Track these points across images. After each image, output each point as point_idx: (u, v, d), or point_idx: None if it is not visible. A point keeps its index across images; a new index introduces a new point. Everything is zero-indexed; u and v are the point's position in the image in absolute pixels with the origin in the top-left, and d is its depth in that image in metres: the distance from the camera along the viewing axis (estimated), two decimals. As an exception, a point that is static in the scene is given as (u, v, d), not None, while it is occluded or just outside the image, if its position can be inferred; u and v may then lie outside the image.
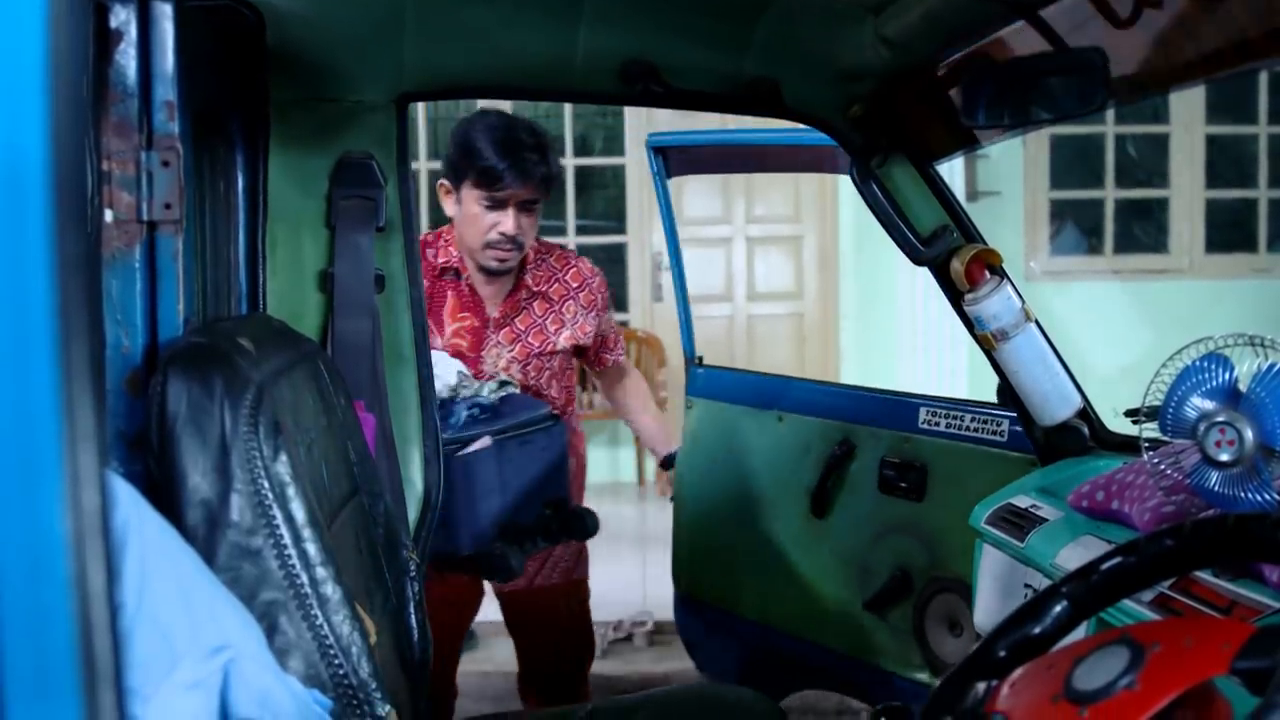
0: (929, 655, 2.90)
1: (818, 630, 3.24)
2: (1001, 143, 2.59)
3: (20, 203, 0.72)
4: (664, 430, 3.72)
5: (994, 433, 2.75)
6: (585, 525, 3.00)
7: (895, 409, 3.08)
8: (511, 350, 3.16)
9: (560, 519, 2.95)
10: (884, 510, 3.04)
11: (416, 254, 2.45)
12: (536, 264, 3.21)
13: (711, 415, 3.58)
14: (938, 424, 2.92)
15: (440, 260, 3.13)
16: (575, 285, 3.25)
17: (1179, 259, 7.95)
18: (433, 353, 2.72)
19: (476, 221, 3.04)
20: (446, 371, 2.93)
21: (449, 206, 3.12)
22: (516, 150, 2.98)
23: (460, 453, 2.73)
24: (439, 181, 3.13)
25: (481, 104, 7.69)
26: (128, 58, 1.52)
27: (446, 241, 3.15)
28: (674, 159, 3.72)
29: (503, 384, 3.03)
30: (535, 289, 3.19)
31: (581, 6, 2.15)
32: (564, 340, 3.22)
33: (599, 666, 3.79)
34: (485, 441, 2.78)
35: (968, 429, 2.82)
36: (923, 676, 2.92)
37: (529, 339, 3.18)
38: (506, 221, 3.02)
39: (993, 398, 2.71)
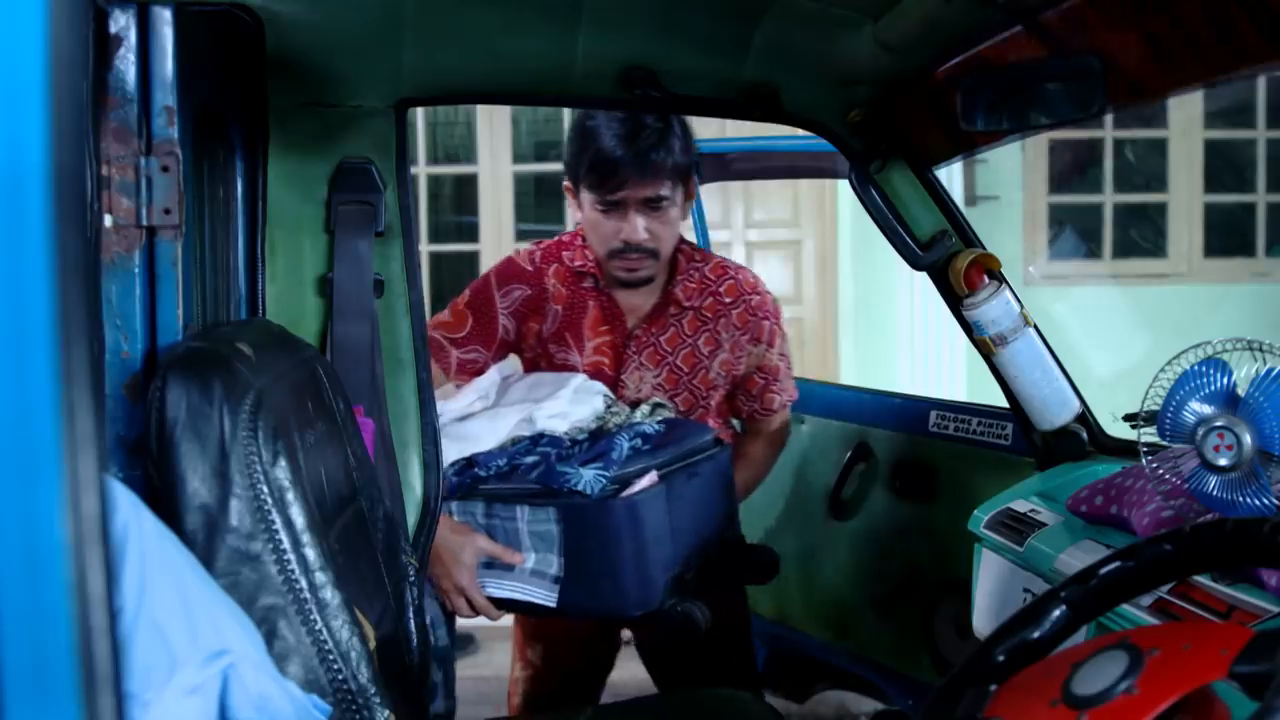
0: (936, 657, 2.90)
1: (835, 631, 3.25)
2: (1000, 148, 2.59)
3: (20, 207, 0.72)
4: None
5: (999, 436, 2.76)
6: (766, 564, 2.57)
7: (907, 412, 3.09)
8: (657, 375, 2.73)
9: (739, 559, 2.56)
10: (896, 512, 3.05)
11: (416, 259, 2.44)
12: (688, 273, 2.75)
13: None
14: (946, 427, 2.92)
15: (576, 263, 2.71)
16: (730, 300, 2.76)
17: (1178, 264, 7.94)
18: (575, 376, 2.59)
19: (597, 228, 2.64)
20: (589, 396, 2.57)
21: (574, 210, 2.74)
22: (633, 138, 2.56)
23: (625, 494, 2.34)
24: (564, 183, 2.75)
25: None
26: (127, 63, 1.53)
27: (584, 242, 2.73)
28: (706, 166, 3.71)
29: (656, 406, 2.61)
30: (686, 303, 2.73)
31: (580, 12, 2.16)
32: (719, 366, 2.75)
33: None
34: (652, 478, 2.38)
35: (975, 432, 2.83)
36: (932, 678, 2.92)
37: (677, 362, 2.74)
38: (629, 226, 2.60)
39: (993, 401, 2.71)
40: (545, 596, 2.39)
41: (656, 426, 2.50)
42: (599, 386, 2.61)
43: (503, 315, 2.69)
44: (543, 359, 2.73)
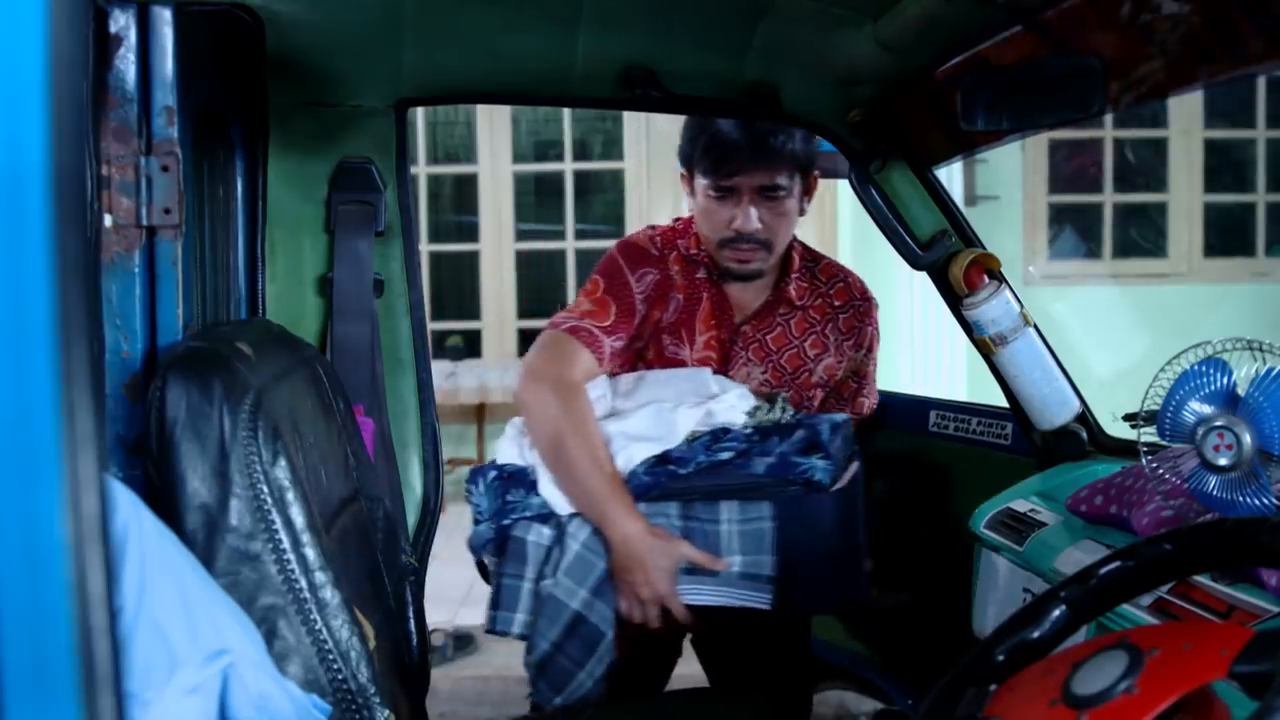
0: (936, 656, 2.90)
1: (838, 630, 3.25)
2: (1000, 147, 2.59)
3: (20, 206, 0.72)
4: None
5: (999, 436, 2.75)
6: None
7: (907, 412, 3.09)
8: (764, 373, 2.62)
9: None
10: (897, 511, 3.05)
11: (416, 258, 2.45)
12: (800, 272, 2.63)
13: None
14: (946, 427, 2.92)
15: (691, 251, 2.56)
16: (839, 304, 2.66)
17: (1177, 263, 7.95)
18: (703, 371, 2.46)
19: (710, 215, 2.50)
20: (738, 399, 2.42)
21: (689, 199, 2.60)
22: (749, 122, 2.46)
23: (838, 484, 2.27)
24: (680, 171, 2.62)
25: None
26: (127, 62, 1.53)
27: (696, 233, 2.58)
28: None
29: (771, 399, 2.47)
30: (796, 302, 2.62)
31: (580, 11, 2.16)
32: (822, 370, 2.66)
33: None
34: (856, 466, 2.35)
35: (975, 432, 2.83)
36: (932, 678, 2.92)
37: (781, 361, 2.63)
38: (742, 215, 2.45)
39: (993, 401, 2.71)
40: (759, 599, 2.27)
41: (795, 419, 2.40)
42: (739, 388, 2.46)
43: (639, 300, 2.49)
44: (652, 350, 2.57)
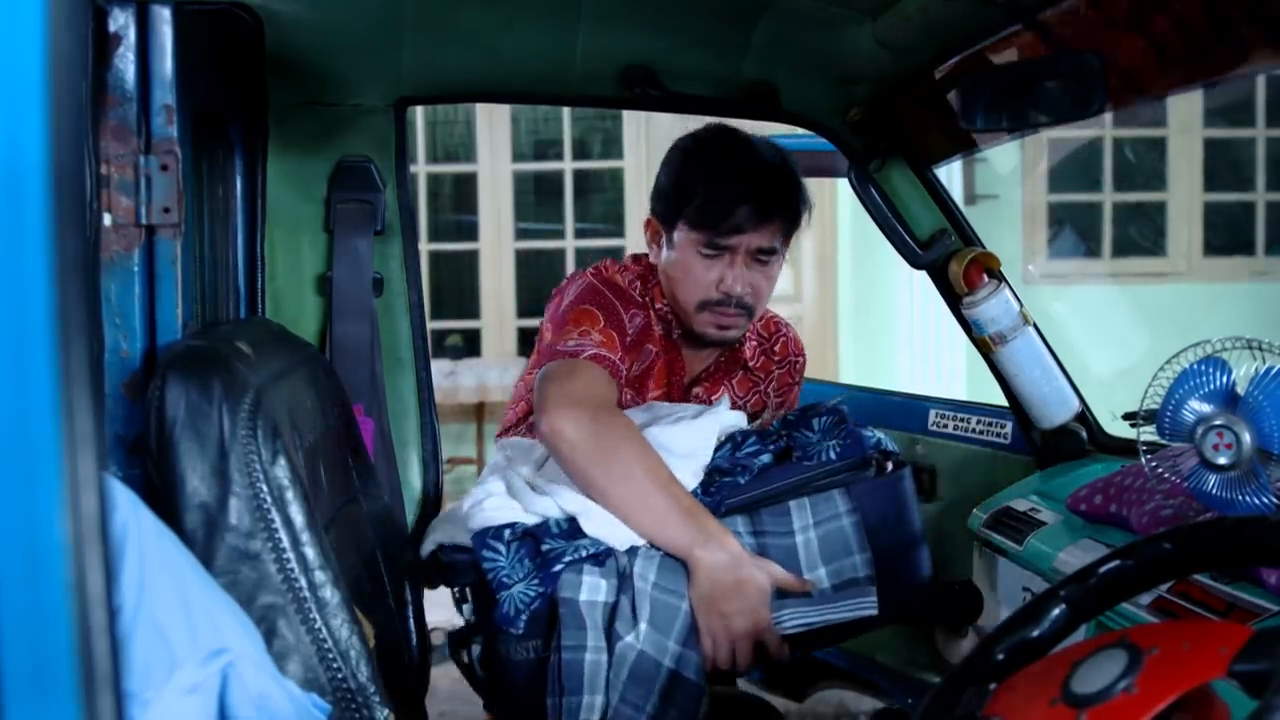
0: (935, 655, 2.90)
1: None
2: (999, 146, 2.59)
3: (19, 206, 0.72)
4: None
5: (998, 435, 2.75)
6: None
7: (906, 411, 3.09)
8: None
9: None
10: None
11: (416, 257, 2.45)
12: (751, 329, 2.46)
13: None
14: (946, 426, 2.92)
15: (659, 305, 2.35)
16: (779, 359, 2.54)
17: (1177, 262, 7.95)
18: (706, 411, 2.15)
19: (691, 273, 2.26)
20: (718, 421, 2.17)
21: (653, 250, 2.36)
22: (756, 177, 2.24)
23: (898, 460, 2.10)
24: (645, 219, 2.39)
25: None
26: (126, 61, 1.53)
27: (656, 280, 2.37)
28: None
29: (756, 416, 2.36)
30: (747, 360, 2.47)
31: (580, 10, 2.16)
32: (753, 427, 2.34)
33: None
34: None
35: (974, 431, 2.83)
36: (931, 676, 2.92)
37: None
38: (733, 276, 2.24)
39: (992, 400, 2.71)
40: (866, 605, 1.99)
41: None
42: (735, 416, 2.21)
43: (630, 337, 2.26)
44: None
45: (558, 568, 1.90)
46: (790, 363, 2.55)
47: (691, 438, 2.07)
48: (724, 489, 2.00)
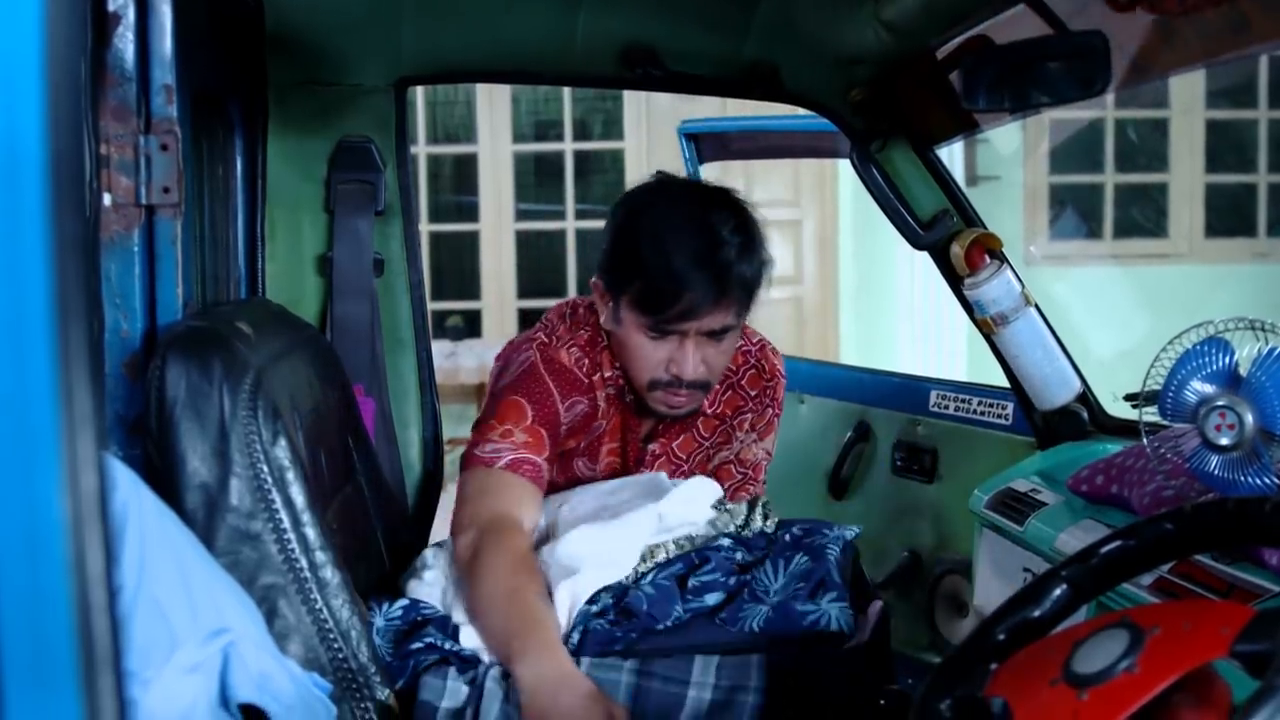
0: (936, 636, 2.91)
1: None
2: (1001, 127, 2.58)
3: (17, 186, 0.72)
4: None
5: (1000, 416, 2.76)
6: None
7: (908, 392, 3.10)
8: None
9: None
10: (897, 492, 3.06)
11: (416, 238, 2.44)
12: None
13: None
14: (947, 407, 2.93)
15: (606, 373, 2.17)
16: (753, 393, 2.31)
17: (1179, 244, 7.94)
18: (677, 491, 1.99)
19: (639, 352, 2.08)
20: (699, 489, 2.03)
21: (602, 312, 2.14)
22: (705, 258, 1.99)
23: (856, 641, 1.79)
24: (592, 280, 2.17)
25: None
26: (126, 41, 1.52)
27: (606, 342, 2.17)
28: (706, 145, 3.70)
29: (752, 503, 2.07)
30: (709, 410, 2.27)
31: (581, -10, 2.15)
32: (719, 459, 2.33)
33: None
34: (877, 607, 1.88)
35: (975, 412, 2.83)
36: (932, 657, 2.93)
37: (691, 468, 2.29)
38: (682, 358, 2.05)
39: (994, 381, 2.71)
40: None
41: (796, 532, 1.96)
42: (708, 486, 2.06)
43: (563, 430, 2.13)
44: (562, 471, 2.22)
45: (416, 645, 1.73)
46: (764, 389, 2.32)
47: (601, 542, 1.88)
48: (633, 630, 1.76)
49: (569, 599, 1.80)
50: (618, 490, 2.08)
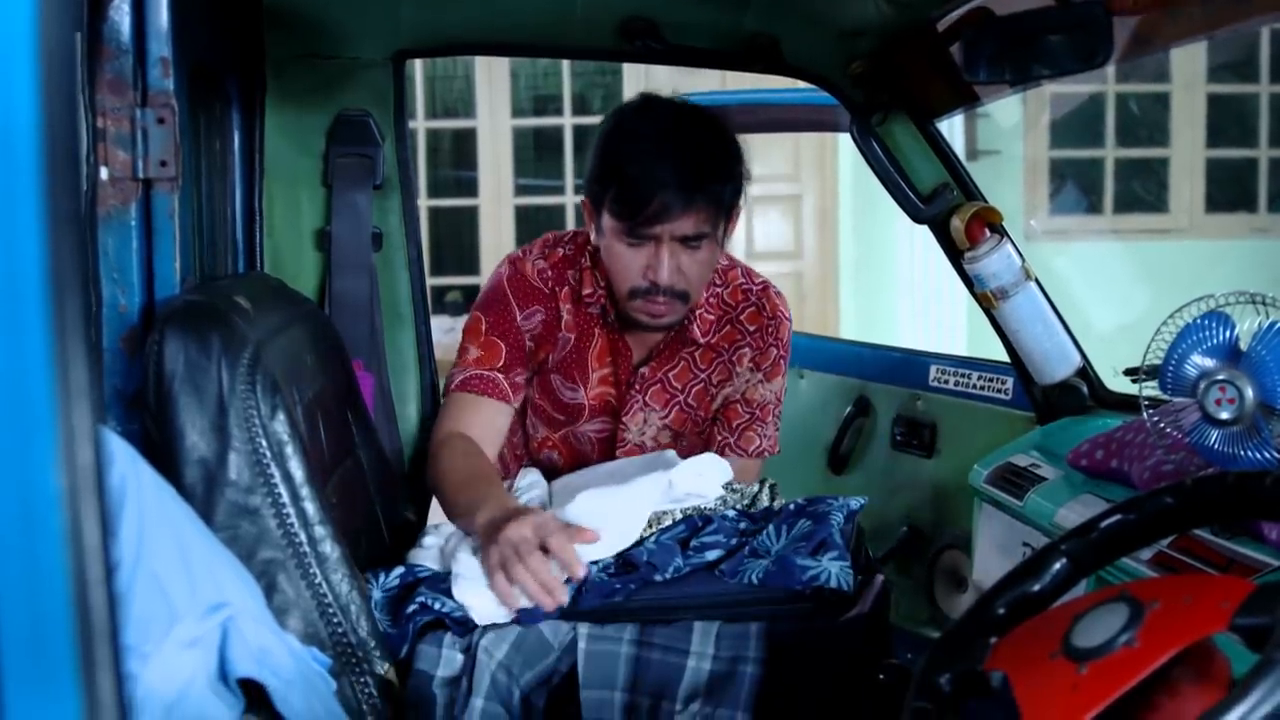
0: (935, 610, 2.91)
1: None
2: (1002, 100, 2.57)
3: (11, 160, 0.71)
4: None
5: (1000, 390, 2.76)
6: None
7: (908, 367, 3.10)
8: (664, 416, 2.32)
9: None
10: (896, 467, 3.06)
11: (415, 212, 2.44)
12: (706, 304, 2.31)
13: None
14: (947, 382, 2.92)
15: (585, 291, 2.26)
16: (752, 329, 2.33)
17: (1179, 218, 7.93)
18: (688, 462, 2.04)
19: (619, 260, 2.16)
20: (708, 466, 2.06)
21: (591, 231, 2.24)
22: (674, 161, 2.05)
23: (857, 611, 1.80)
24: (581, 199, 2.27)
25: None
26: (122, 14, 1.51)
27: (591, 263, 2.27)
28: None
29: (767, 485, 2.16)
30: (703, 339, 2.31)
31: (580, -38, 2.14)
32: (722, 398, 2.36)
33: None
34: (880, 579, 1.90)
35: (975, 387, 2.83)
36: (932, 631, 2.94)
37: (688, 400, 2.33)
38: (658, 265, 2.11)
39: (994, 356, 2.71)
40: None
41: (800, 502, 1.98)
42: (719, 464, 2.09)
43: (527, 339, 2.25)
44: (540, 393, 2.33)
45: (411, 609, 1.75)
46: (763, 328, 2.33)
47: (609, 508, 1.89)
48: (633, 581, 1.79)
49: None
50: (625, 466, 2.15)
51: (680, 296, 2.16)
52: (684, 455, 2.17)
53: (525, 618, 1.75)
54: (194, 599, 1.21)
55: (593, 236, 2.22)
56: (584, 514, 1.87)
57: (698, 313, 2.28)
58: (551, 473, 2.31)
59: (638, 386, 2.31)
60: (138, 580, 1.14)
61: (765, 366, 2.35)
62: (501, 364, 2.21)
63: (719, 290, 2.33)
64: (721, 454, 2.27)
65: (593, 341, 2.28)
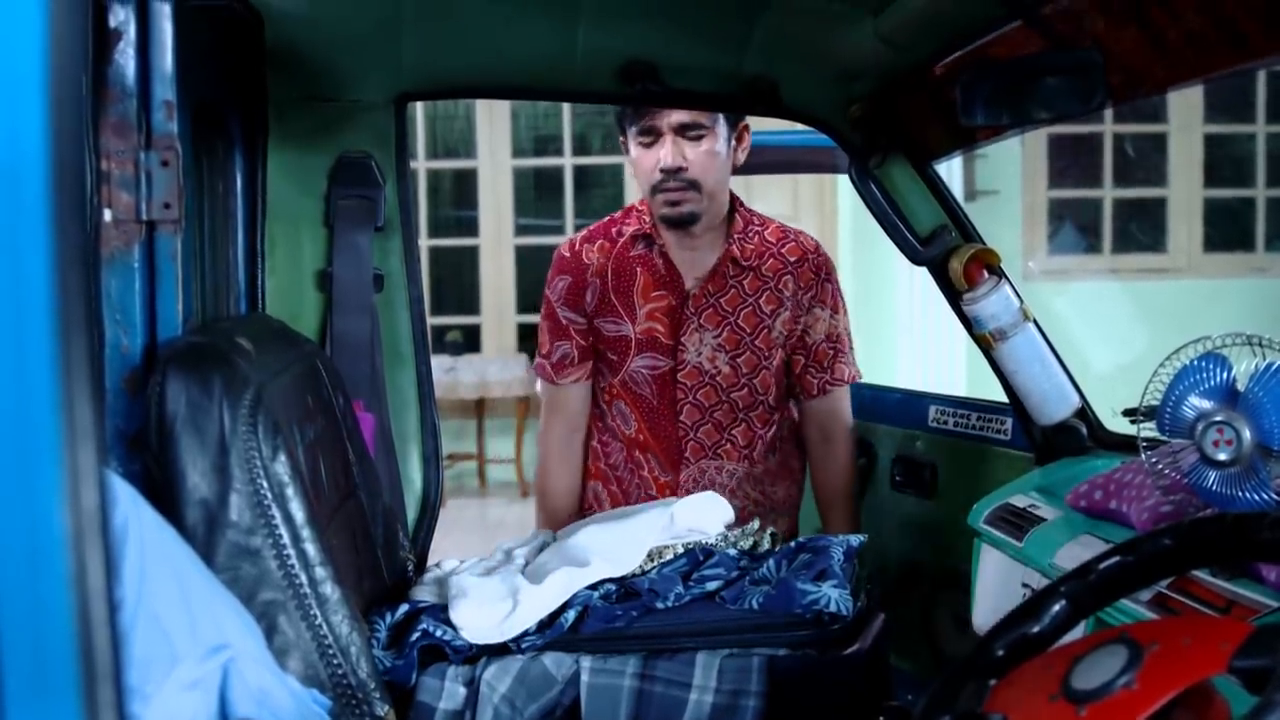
0: (936, 651, 2.90)
1: None
2: (1000, 142, 2.58)
3: (19, 201, 0.72)
4: (844, 509, 2.80)
5: (999, 431, 2.75)
6: None
7: (907, 407, 3.09)
8: (718, 336, 2.61)
9: None
10: (896, 507, 3.05)
11: (415, 253, 2.45)
12: (746, 234, 2.66)
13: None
14: (946, 422, 2.92)
15: (630, 228, 2.65)
16: (794, 259, 2.66)
17: (1177, 258, 7.95)
18: (689, 499, 2.16)
19: (641, 164, 2.58)
20: (707, 503, 2.16)
21: (629, 164, 2.69)
22: None
23: (858, 647, 1.84)
24: (620, 139, 2.70)
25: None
26: (127, 57, 1.52)
27: (639, 211, 2.68)
28: None
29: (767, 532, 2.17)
30: (745, 262, 2.63)
31: (580, 5, 2.16)
32: (780, 325, 2.64)
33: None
34: (881, 618, 1.96)
35: (974, 427, 2.83)
36: (932, 672, 2.92)
37: (738, 322, 2.63)
38: (664, 152, 2.52)
39: (993, 396, 2.71)
40: None
41: (801, 540, 2.06)
42: (718, 503, 2.18)
43: (560, 309, 2.66)
44: (596, 336, 2.66)
45: (414, 636, 1.79)
46: (809, 261, 2.67)
47: (608, 538, 2.01)
48: (635, 609, 1.83)
49: (566, 578, 1.88)
50: (629, 510, 2.23)
51: (692, 185, 2.53)
52: (737, 380, 2.61)
53: (523, 642, 1.77)
54: (195, 640, 1.21)
55: (632, 169, 2.64)
56: (586, 544, 1.95)
57: (735, 237, 2.63)
58: (626, 434, 2.67)
59: (692, 308, 2.61)
60: (139, 621, 1.14)
61: (829, 301, 2.69)
62: (547, 348, 2.69)
63: (760, 229, 2.69)
64: (823, 392, 2.70)
65: (635, 278, 2.62)
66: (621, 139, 2.65)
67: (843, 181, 3.53)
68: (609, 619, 1.82)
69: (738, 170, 2.65)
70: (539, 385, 2.77)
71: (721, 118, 2.53)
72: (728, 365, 2.61)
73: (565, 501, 2.72)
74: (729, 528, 2.14)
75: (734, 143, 2.60)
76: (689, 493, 2.51)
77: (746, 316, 2.62)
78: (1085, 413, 2.51)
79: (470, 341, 7.96)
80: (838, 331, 2.72)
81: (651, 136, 2.53)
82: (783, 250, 2.67)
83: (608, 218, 2.75)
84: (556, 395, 2.71)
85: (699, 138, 2.51)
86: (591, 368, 2.69)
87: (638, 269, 2.62)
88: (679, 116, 2.49)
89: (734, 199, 2.69)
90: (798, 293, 2.65)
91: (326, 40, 2.20)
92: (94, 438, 0.73)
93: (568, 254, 2.69)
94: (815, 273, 2.68)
